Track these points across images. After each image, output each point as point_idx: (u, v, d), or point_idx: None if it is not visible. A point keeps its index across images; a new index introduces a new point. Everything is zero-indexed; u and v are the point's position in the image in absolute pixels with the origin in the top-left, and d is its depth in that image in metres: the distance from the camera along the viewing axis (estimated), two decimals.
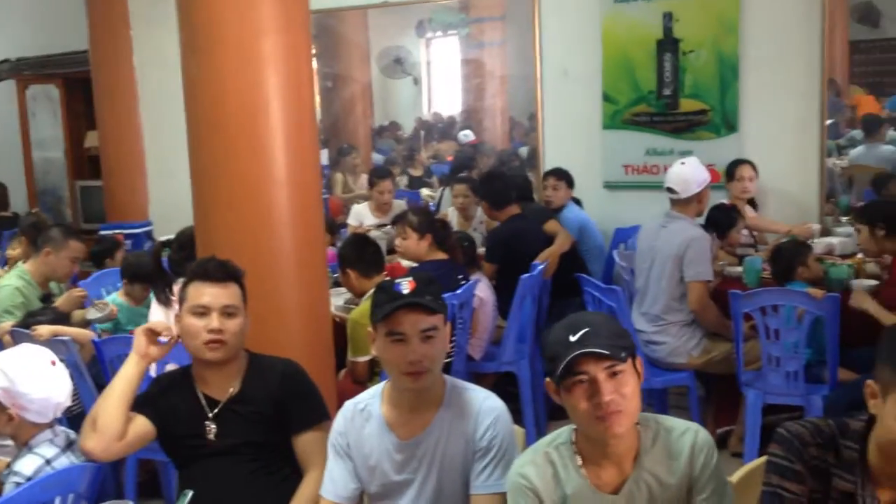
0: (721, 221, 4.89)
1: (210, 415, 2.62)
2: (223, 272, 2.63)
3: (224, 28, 3.26)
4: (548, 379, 1.99)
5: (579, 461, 2.02)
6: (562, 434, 2.07)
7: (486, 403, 2.31)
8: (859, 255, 4.64)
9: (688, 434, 2.01)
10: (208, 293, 2.58)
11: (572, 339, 1.90)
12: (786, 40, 5.48)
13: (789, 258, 4.30)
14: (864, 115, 8.70)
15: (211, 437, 2.62)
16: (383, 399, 2.37)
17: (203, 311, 2.56)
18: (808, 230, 5.24)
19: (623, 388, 1.91)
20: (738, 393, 4.26)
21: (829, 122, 6.18)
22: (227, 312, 2.58)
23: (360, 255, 4.18)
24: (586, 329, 1.91)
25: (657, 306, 4.42)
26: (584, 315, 2.08)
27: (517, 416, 4.45)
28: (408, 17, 11.45)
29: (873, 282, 4.31)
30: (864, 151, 7.76)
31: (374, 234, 5.51)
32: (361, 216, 6.35)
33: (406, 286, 2.22)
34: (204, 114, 3.34)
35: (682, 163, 4.52)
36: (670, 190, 4.45)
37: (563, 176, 5.72)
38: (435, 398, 2.32)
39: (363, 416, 2.37)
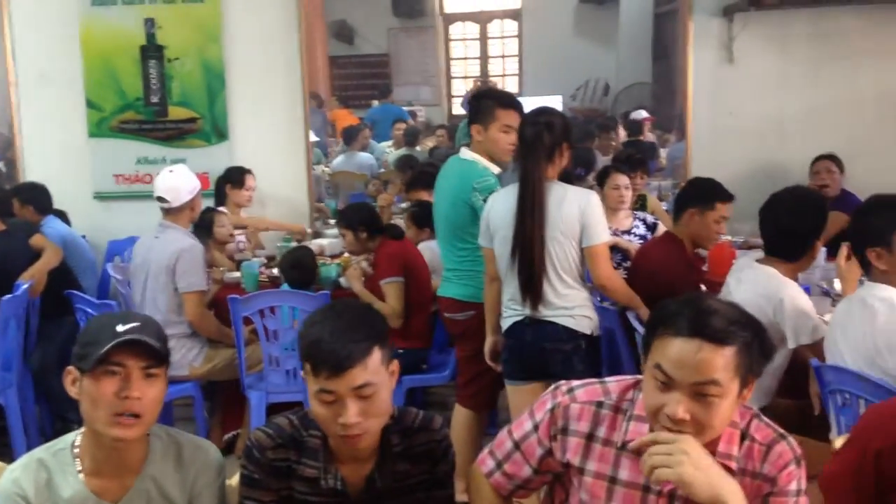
0: (203, 222, 4.89)
1: None
2: None
3: None
4: (71, 367, 1.92)
5: (79, 466, 1.94)
6: (64, 440, 1.99)
7: None
8: (346, 255, 4.99)
9: (199, 451, 2.04)
10: None
11: (120, 328, 1.88)
12: (268, 52, 5.64)
13: (292, 262, 4.52)
14: (343, 128, 9.48)
15: None
16: None
17: None
18: (301, 228, 5.63)
19: (150, 392, 1.90)
20: (243, 397, 4.32)
21: (313, 132, 6.55)
22: None
23: None
24: (137, 323, 1.92)
25: (156, 320, 4.28)
26: (136, 313, 2.09)
27: (6, 451, 4.05)
28: None
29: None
30: (345, 160, 8.43)
31: None
32: None
33: None
34: None
35: (171, 171, 4.42)
36: (161, 199, 4.34)
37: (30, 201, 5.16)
38: None
39: None
